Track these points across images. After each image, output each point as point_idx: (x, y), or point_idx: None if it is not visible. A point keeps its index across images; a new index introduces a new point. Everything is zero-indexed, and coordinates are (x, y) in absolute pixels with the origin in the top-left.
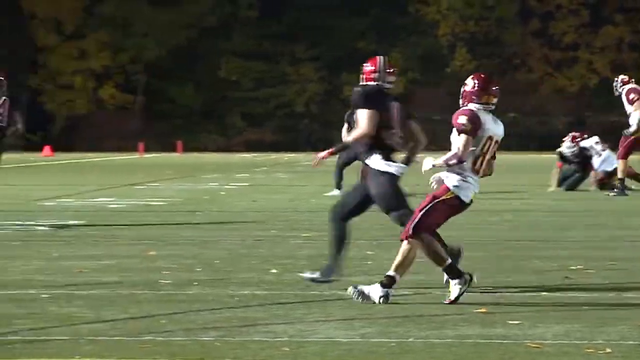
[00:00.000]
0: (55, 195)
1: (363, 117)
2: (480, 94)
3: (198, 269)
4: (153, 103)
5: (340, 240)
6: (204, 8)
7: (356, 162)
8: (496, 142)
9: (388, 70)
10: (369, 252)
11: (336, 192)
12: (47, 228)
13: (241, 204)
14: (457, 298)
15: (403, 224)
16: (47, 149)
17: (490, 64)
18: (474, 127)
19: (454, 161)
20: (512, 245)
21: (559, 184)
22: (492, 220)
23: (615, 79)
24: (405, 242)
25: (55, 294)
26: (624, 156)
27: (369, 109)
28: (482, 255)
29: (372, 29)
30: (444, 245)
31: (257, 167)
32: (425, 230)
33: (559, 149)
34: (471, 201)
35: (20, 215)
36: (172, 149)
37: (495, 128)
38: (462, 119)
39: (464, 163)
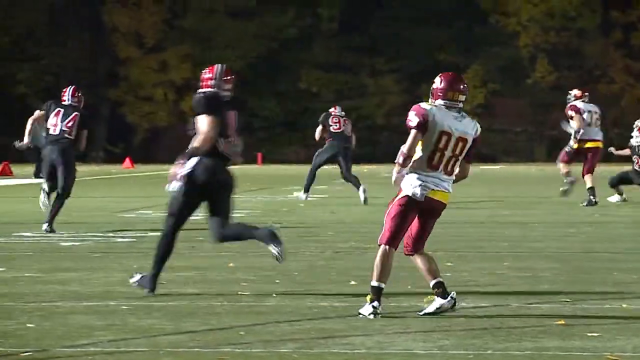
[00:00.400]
0: (135, 207)
1: (204, 123)
2: (446, 91)
3: (277, 281)
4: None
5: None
6: (284, 20)
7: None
8: (460, 139)
9: (225, 78)
10: (448, 264)
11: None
12: (127, 240)
13: (320, 216)
14: (364, 315)
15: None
16: (127, 161)
17: (571, 75)
18: (419, 121)
19: (401, 158)
20: (591, 257)
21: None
22: (570, 232)
23: (569, 92)
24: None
25: (135, 305)
26: (589, 170)
27: (209, 115)
28: (560, 267)
29: (453, 40)
30: (431, 269)
31: (337, 179)
32: (393, 235)
33: (630, 142)
34: (432, 201)
35: (100, 227)
36: (253, 160)
37: (454, 124)
38: (409, 114)
39: (420, 160)
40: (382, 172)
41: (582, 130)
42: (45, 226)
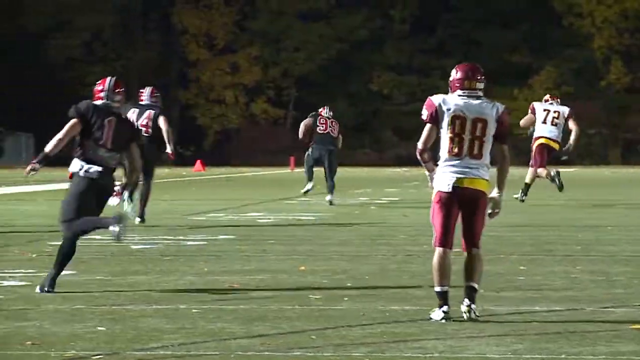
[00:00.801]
0: (205, 210)
1: (67, 125)
2: (463, 81)
3: (348, 284)
4: (304, 117)
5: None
6: (355, 22)
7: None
8: (477, 120)
9: (116, 90)
10: (521, 267)
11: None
12: (197, 243)
13: (392, 219)
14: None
15: (71, 233)
16: (198, 164)
17: None
18: (428, 113)
19: (418, 155)
20: None
21: None
22: None
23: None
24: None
25: (205, 308)
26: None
27: (72, 118)
28: (634, 271)
29: (525, 42)
30: None
31: (409, 182)
32: (440, 235)
33: None
34: (461, 189)
35: (171, 230)
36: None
37: (466, 106)
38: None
39: (443, 151)
40: None
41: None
42: (137, 220)
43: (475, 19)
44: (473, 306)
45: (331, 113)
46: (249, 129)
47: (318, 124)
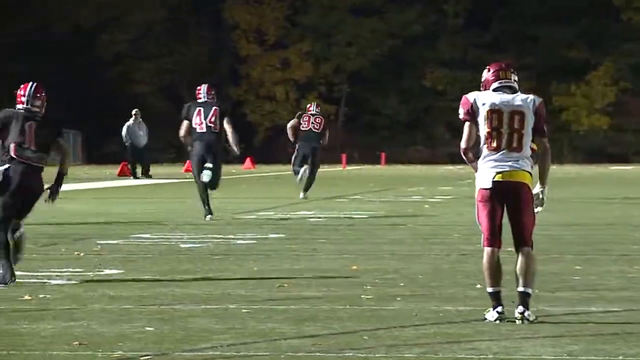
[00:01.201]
0: (255, 208)
1: None
2: (497, 72)
3: (401, 284)
4: (356, 114)
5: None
6: (408, 17)
7: None
8: (514, 113)
9: (37, 95)
10: (576, 267)
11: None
12: (247, 242)
13: (446, 217)
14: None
15: None
16: (248, 161)
17: None
18: (464, 111)
19: (463, 155)
20: None
21: None
22: None
23: None
24: None
25: (255, 308)
26: None
27: None
28: None
29: (582, 37)
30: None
31: (462, 180)
32: (487, 234)
33: None
34: (502, 183)
35: (220, 228)
36: (376, 160)
37: (501, 99)
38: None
39: (482, 147)
40: None
41: None
42: (208, 217)
43: (531, 13)
44: (527, 313)
45: (318, 109)
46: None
47: (302, 121)
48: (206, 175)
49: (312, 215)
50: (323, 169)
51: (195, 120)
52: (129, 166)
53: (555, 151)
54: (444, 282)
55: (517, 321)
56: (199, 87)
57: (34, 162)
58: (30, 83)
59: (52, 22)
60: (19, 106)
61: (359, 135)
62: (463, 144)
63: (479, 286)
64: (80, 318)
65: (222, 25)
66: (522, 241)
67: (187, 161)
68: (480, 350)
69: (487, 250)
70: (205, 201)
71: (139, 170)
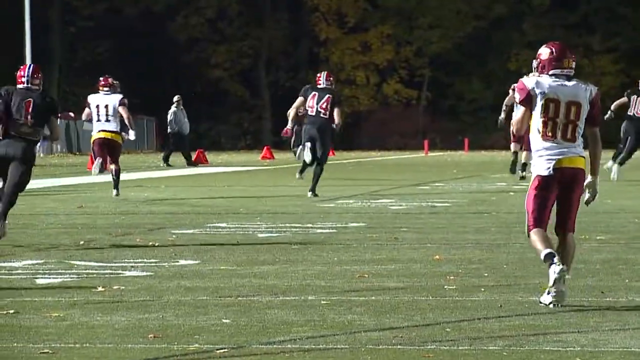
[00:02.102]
0: (334, 196)
1: None
2: (556, 61)
3: (485, 274)
4: (439, 99)
5: None
6: None
7: None
8: (570, 104)
9: (34, 76)
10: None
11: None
12: (326, 231)
13: None
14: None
15: None
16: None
17: None
18: (522, 97)
19: (513, 133)
20: None
21: None
22: None
23: None
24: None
25: (334, 300)
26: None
27: None
28: None
29: None
30: None
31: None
32: (534, 220)
33: None
34: (561, 169)
35: (299, 217)
36: (459, 146)
37: (560, 90)
38: (515, 93)
39: (536, 136)
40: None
41: None
42: (309, 193)
43: None
44: (564, 274)
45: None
46: (381, 110)
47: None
48: (307, 156)
49: (393, 203)
50: (404, 156)
51: (309, 103)
52: (170, 154)
53: None
54: (529, 272)
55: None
56: (319, 74)
57: (29, 137)
58: (29, 64)
59: (123, 6)
60: (20, 85)
61: (442, 121)
62: (515, 127)
63: (568, 276)
64: (155, 310)
65: (301, 8)
66: (568, 226)
67: (265, 147)
68: (567, 342)
69: (536, 231)
70: (303, 170)
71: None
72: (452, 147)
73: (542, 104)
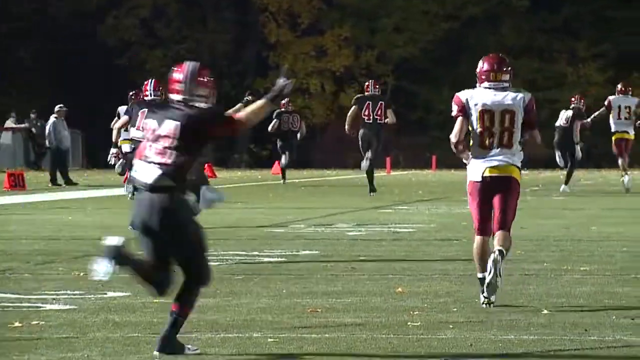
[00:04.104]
0: (284, 220)
1: None
2: (489, 73)
3: (454, 309)
4: (403, 110)
5: None
6: None
7: None
8: (505, 112)
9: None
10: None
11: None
12: (275, 259)
13: None
14: None
15: None
16: (277, 166)
17: None
18: (457, 108)
19: (453, 148)
20: None
21: None
22: None
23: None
24: None
25: (283, 337)
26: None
27: None
28: None
29: None
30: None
31: (526, 187)
32: (477, 223)
33: None
34: (491, 178)
35: (244, 243)
36: (425, 164)
37: (493, 99)
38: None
39: (474, 145)
40: (581, 178)
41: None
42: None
43: None
44: (499, 258)
45: (290, 107)
46: (337, 123)
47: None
48: (364, 166)
49: (351, 229)
50: (363, 175)
51: (365, 112)
52: (49, 172)
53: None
54: (504, 306)
55: (490, 267)
56: (367, 82)
57: None
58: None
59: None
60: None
61: (406, 135)
62: (454, 138)
63: (545, 311)
64: (79, 348)
65: (248, 7)
66: (503, 224)
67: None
68: None
69: (477, 238)
70: (371, 181)
71: (59, 177)
72: (418, 165)
73: (478, 116)
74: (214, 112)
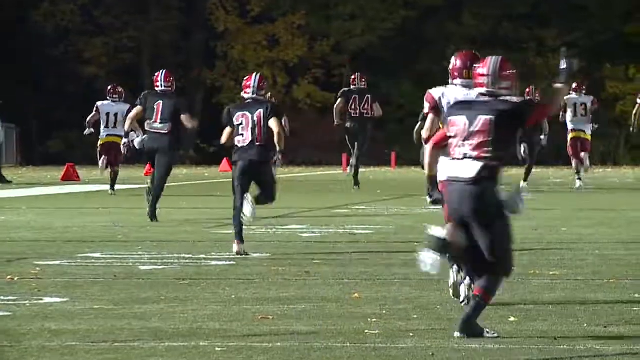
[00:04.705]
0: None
1: None
2: (461, 70)
3: (414, 316)
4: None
5: None
6: None
7: None
8: None
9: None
10: (636, 296)
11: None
12: (223, 263)
13: None
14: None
15: None
16: (225, 163)
17: None
18: (430, 106)
19: (424, 143)
20: None
21: None
22: None
23: None
24: None
25: (232, 347)
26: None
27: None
28: None
29: None
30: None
31: None
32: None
33: None
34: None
35: (189, 246)
36: (384, 162)
37: (464, 97)
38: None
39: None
40: (550, 177)
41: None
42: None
43: None
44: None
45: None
46: (290, 118)
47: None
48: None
49: (305, 230)
50: (318, 173)
51: (351, 106)
52: None
53: (609, 150)
54: None
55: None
56: (352, 76)
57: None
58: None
59: None
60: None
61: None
62: (425, 134)
63: (512, 319)
64: (13, 358)
65: None
66: None
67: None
68: None
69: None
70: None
71: None
72: (377, 163)
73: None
74: (525, 104)
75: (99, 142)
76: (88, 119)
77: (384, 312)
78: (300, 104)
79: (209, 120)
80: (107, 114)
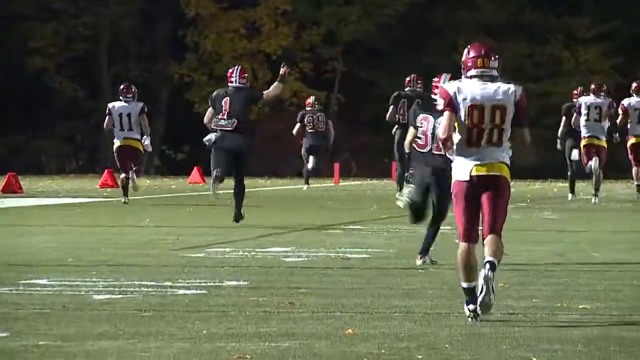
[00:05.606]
0: (204, 242)
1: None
2: (476, 59)
3: (419, 356)
4: (355, 103)
5: None
6: None
7: None
8: (495, 108)
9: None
10: None
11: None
12: (191, 292)
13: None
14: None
15: None
16: (195, 172)
17: None
18: (445, 102)
19: (442, 144)
20: None
21: None
22: None
23: None
24: None
25: None
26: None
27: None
28: None
29: None
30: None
31: (512, 203)
32: (462, 229)
33: None
34: (478, 177)
35: (152, 271)
36: (383, 172)
37: (483, 94)
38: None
39: (461, 141)
40: (579, 192)
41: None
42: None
43: None
44: (491, 274)
45: (316, 105)
46: (273, 120)
47: (306, 121)
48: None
49: (289, 253)
50: (306, 185)
51: (400, 112)
52: None
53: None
54: (483, 353)
55: (480, 283)
56: (408, 77)
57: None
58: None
59: None
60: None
61: (360, 135)
62: (443, 134)
63: (533, 359)
64: None
65: None
66: (493, 228)
67: (106, 170)
68: None
69: (462, 245)
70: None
71: None
72: (374, 174)
73: (466, 111)
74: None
75: (114, 147)
76: (105, 124)
77: (383, 351)
78: (285, 103)
79: (176, 122)
80: (120, 115)
